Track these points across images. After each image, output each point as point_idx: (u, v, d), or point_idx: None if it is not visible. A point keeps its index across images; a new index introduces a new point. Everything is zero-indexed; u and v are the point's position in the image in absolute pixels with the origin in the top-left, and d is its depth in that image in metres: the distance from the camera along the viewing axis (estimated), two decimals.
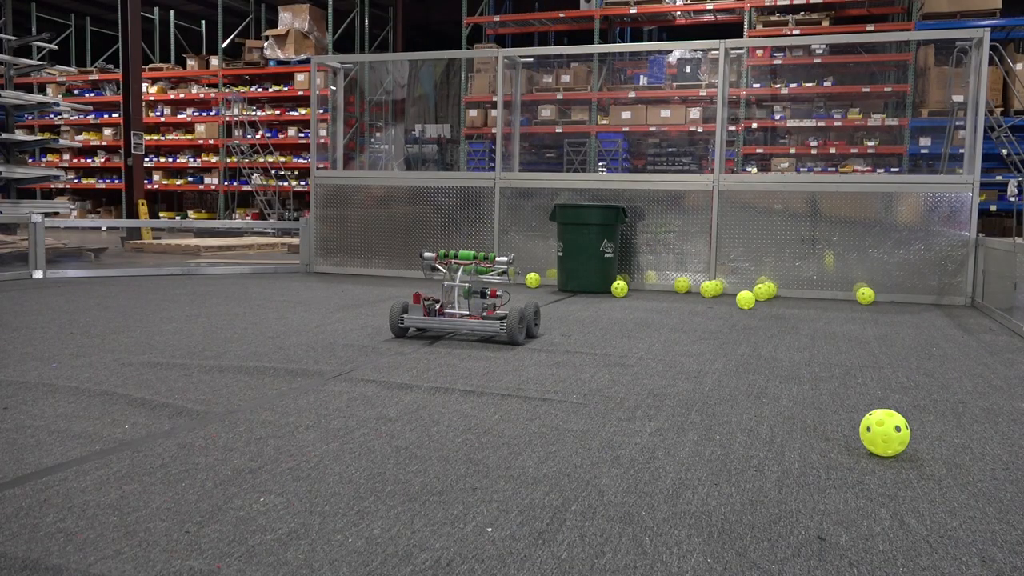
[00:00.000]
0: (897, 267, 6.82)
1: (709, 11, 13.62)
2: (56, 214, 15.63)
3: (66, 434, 2.65)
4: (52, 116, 18.27)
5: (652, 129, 13.22)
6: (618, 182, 7.57)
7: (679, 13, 13.90)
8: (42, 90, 18.88)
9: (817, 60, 12.24)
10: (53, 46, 11.12)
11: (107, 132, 18.93)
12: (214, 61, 17.78)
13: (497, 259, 4.64)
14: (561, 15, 14.29)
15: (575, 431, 2.78)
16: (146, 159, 17.78)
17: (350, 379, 3.50)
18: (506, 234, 7.82)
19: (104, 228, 15.98)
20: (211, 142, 17.64)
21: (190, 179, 18.06)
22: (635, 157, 13.70)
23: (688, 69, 13.11)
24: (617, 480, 2.30)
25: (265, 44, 16.70)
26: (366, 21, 17.64)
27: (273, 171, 16.91)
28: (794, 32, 12.59)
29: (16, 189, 9.97)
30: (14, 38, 10.54)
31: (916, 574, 1.76)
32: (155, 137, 18.10)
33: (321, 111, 14.17)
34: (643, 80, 13.41)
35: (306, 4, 16.49)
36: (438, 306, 4.56)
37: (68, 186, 19.13)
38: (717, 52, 7.23)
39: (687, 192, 7.30)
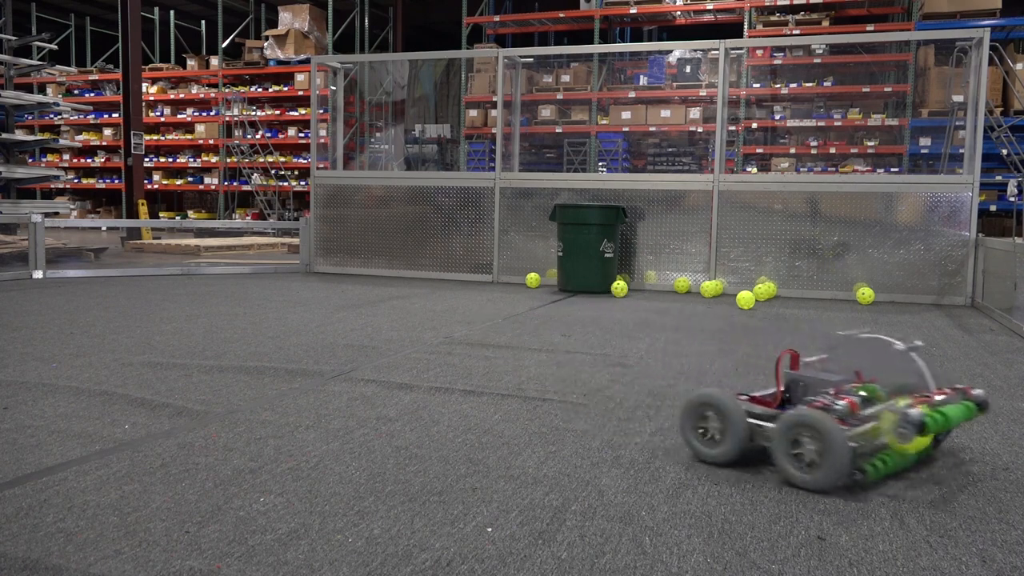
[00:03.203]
0: (897, 267, 6.82)
1: (709, 11, 13.62)
2: (56, 214, 15.65)
3: (66, 434, 2.65)
4: (52, 116, 18.28)
5: (652, 129, 13.22)
6: (618, 182, 7.56)
7: (679, 13, 13.90)
8: (42, 90, 18.88)
9: (817, 60, 12.24)
10: (53, 46, 11.13)
11: (107, 132, 18.93)
12: (214, 61, 17.78)
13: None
14: (561, 15, 14.29)
15: (575, 431, 2.78)
16: (146, 159, 17.79)
17: (350, 379, 3.50)
18: (506, 234, 7.82)
19: (104, 228, 15.98)
20: (211, 142, 17.64)
21: (190, 179, 18.06)
22: (635, 157, 13.70)
23: (688, 69, 13.11)
24: (617, 480, 2.30)
25: (265, 44, 16.70)
26: (366, 21, 17.65)
27: (273, 171, 16.91)
28: (794, 32, 12.59)
29: (16, 189, 9.98)
30: (14, 38, 10.54)
31: (916, 574, 1.76)
32: (155, 137, 18.10)
33: (321, 111, 14.17)
34: (643, 80, 13.41)
35: (306, 4, 16.49)
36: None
37: (68, 186, 19.14)
38: (717, 52, 7.23)
39: (687, 192, 7.30)
